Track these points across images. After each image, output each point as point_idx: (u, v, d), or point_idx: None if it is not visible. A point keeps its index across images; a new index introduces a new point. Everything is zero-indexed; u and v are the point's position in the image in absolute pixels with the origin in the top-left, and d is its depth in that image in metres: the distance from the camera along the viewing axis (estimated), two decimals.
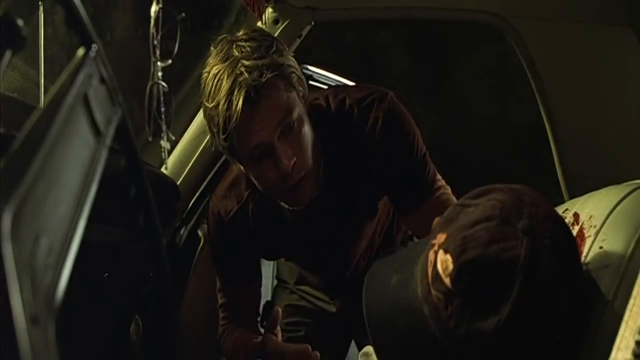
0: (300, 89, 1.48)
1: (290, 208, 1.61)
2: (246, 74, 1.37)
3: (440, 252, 1.03)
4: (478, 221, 1.01)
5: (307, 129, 1.48)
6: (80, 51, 0.60)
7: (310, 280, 1.98)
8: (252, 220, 1.66)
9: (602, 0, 1.83)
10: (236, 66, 1.39)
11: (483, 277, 0.99)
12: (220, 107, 1.40)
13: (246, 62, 1.38)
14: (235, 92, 1.38)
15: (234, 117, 1.39)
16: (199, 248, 2.06)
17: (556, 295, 1.00)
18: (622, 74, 1.94)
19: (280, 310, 1.59)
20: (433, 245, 1.07)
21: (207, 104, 1.44)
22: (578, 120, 1.97)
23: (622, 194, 1.12)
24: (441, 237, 1.05)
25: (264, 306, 1.95)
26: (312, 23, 1.95)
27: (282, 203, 1.62)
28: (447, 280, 1.00)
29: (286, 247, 1.77)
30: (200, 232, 2.08)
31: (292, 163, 1.44)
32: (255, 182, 1.56)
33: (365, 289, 1.15)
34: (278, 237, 1.70)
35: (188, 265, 2.05)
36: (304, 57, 2.09)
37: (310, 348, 1.52)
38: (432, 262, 1.05)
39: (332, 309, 1.99)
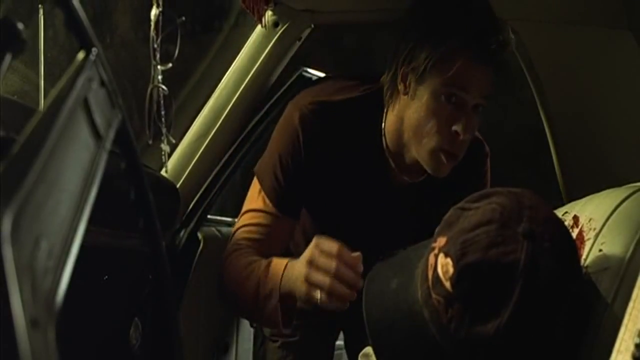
0: None
1: (393, 172, 1.62)
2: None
3: (441, 255, 1.03)
4: (478, 225, 1.01)
5: (478, 124, 1.56)
6: (81, 55, 0.60)
7: None
8: (346, 150, 1.61)
9: (601, 3, 1.83)
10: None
11: (483, 280, 0.99)
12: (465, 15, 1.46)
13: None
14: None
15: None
16: (199, 251, 2.06)
17: (556, 299, 1.00)
18: (621, 77, 1.94)
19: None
20: (433, 248, 1.07)
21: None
22: (577, 122, 1.97)
23: (622, 197, 1.12)
24: (441, 241, 1.05)
25: None
26: (312, 26, 1.96)
27: (392, 163, 1.62)
28: (447, 284, 1.00)
29: (343, 205, 1.69)
30: (199, 235, 2.08)
31: (465, 136, 1.48)
32: (408, 121, 1.54)
33: (365, 291, 1.16)
34: (351, 188, 1.65)
35: (187, 268, 2.05)
36: (302, 59, 2.09)
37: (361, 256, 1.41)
38: (433, 265, 1.05)
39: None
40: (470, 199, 1.10)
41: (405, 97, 1.54)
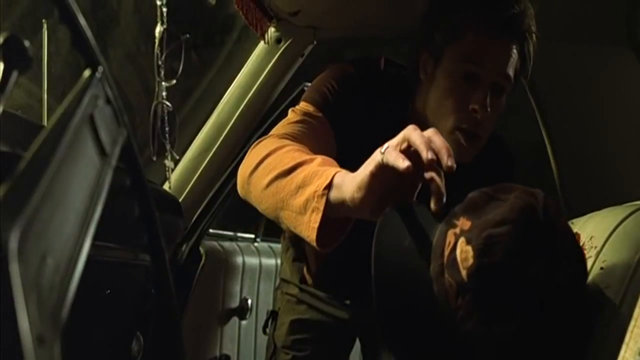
0: (516, 83, 1.52)
1: None
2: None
3: (462, 239, 0.99)
4: (504, 221, 0.98)
5: (500, 112, 1.51)
6: (87, 72, 0.61)
7: (328, 271, 1.86)
8: (372, 115, 1.54)
9: (602, 21, 1.84)
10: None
11: (501, 285, 0.97)
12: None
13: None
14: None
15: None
16: (200, 265, 2.06)
17: (566, 316, 1.00)
18: (622, 94, 1.95)
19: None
20: (454, 225, 1.02)
21: None
22: (578, 139, 1.98)
23: (623, 215, 1.12)
24: (465, 223, 1.01)
25: (270, 314, 1.94)
26: (314, 42, 1.97)
27: None
28: (463, 273, 0.98)
29: None
30: (201, 249, 2.09)
31: (483, 113, 1.44)
32: (429, 104, 1.51)
33: (376, 239, 1.03)
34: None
35: (189, 281, 2.05)
36: (304, 74, 2.10)
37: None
38: (451, 245, 1.00)
39: (342, 314, 1.89)
40: (501, 189, 1.06)
41: (427, 83, 1.53)
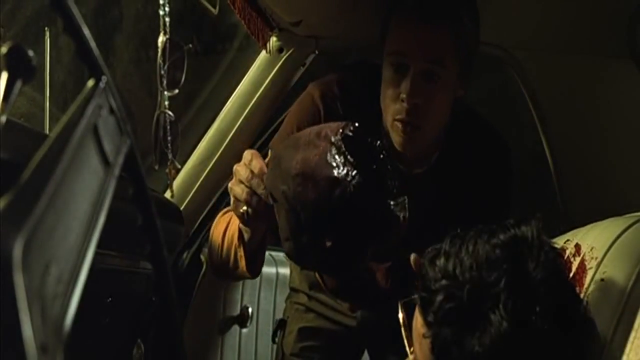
0: (465, 71, 1.53)
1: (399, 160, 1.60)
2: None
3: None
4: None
5: (444, 103, 1.51)
6: (90, 82, 0.61)
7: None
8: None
9: (603, 31, 1.85)
10: None
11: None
12: None
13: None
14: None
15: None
16: (202, 273, 2.06)
17: None
18: (622, 105, 1.96)
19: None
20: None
21: None
22: (579, 149, 1.98)
23: (624, 226, 1.12)
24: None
25: (278, 323, 1.94)
26: (316, 52, 1.97)
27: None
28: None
29: None
30: (202, 257, 2.09)
31: (410, 100, 1.46)
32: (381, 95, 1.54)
33: None
34: None
35: (190, 289, 2.05)
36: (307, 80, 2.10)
37: None
38: None
39: (350, 322, 1.88)
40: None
41: None
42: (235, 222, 1.42)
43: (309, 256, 1.20)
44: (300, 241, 1.17)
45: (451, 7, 1.48)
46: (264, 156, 1.52)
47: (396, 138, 1.52)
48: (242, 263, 1.41)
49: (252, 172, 1.25)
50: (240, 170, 1.28)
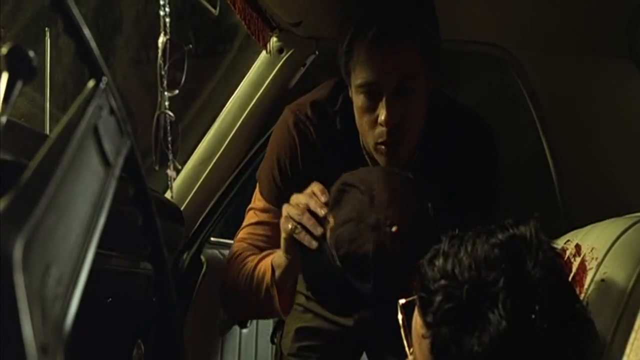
0: (431, 69, 1.51)
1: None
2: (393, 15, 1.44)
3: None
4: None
5: (421, 109, 1.52)
6: (91, 83, 0.61)
7: None
8: (328, 150, 1.64)
9: (603, 32, 1.85)
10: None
11: None
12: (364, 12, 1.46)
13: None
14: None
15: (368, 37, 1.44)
16: (202, 274, 2.06)
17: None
18: (622, 105, 1.96)
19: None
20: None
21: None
22: (579, 150, 1.98)
23: (624, 227, 1.12)
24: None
25: (277, 323, 1.93)
26: (316, 53, 1.97)
27: (369, 160, 1.62)
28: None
29: None
30: (202, 258, 2.09)
31: (389, 123, 1.46)
32: (357, 121, 1.54)
33: None
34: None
35: (190, 290, 2.05)
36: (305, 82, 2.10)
37: None
38: None
39: (349, 322, 1.86)
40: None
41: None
42: (264, 264, 1.56)
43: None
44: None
45: (409, 18, 1.47)
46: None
47: (381, 159, 1.54)
48: (276, 300, 1.55)
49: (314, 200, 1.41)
50: (300, 197, 1.43)
